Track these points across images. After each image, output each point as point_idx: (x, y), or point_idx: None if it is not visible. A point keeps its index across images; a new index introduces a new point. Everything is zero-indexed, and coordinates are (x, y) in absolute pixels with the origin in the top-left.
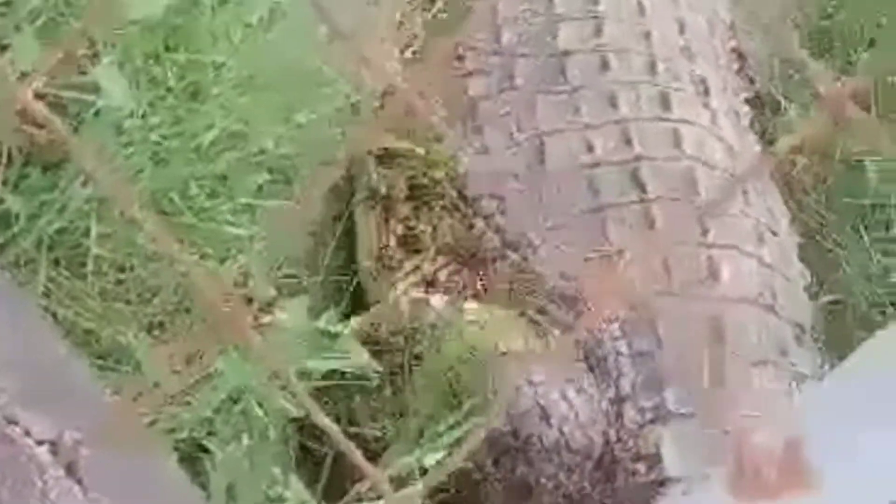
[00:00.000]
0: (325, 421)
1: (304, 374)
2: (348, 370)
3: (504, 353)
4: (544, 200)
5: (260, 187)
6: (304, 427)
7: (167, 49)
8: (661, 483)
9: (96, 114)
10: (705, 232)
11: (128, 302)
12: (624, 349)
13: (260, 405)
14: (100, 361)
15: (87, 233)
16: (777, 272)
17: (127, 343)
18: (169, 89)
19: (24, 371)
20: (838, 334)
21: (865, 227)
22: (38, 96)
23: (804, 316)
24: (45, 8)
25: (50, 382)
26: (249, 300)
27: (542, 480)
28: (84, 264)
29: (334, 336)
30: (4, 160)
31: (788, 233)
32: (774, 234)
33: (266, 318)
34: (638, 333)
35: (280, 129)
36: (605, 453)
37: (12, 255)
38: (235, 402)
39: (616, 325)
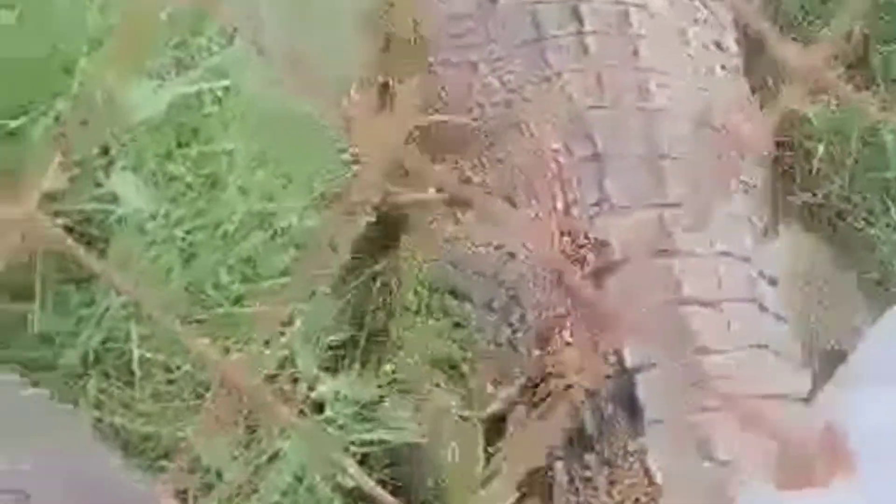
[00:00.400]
0: (373, 489)
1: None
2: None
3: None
4: (491, 35)
5: (289, 265)
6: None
7: (179, 145)
8: (609, 268)
9: (119, 221)
10: (636, 57)
11: (182, 399)
12: (564, 160)
13: (325, 480)
14: (161, 463)
15: (129, 338)
16: (715, 94)
17: (187, 439)
18: (188, 185)
19: (76, 489)
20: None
21: (892, 200)
22: (60, 214)
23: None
24: (55, 126)
25: (102, 496)
26: (295, 380)
27: (528, 313)
28: (132, 371)
29: (379, 403)
30: (40, 282)
31: (738, 64)
32: (723, 67)
33: (313, 395)
34: (576, 142)
35: (302, 200)
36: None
37: (60, 374)
38: (300, 480)
39: (557, 143)
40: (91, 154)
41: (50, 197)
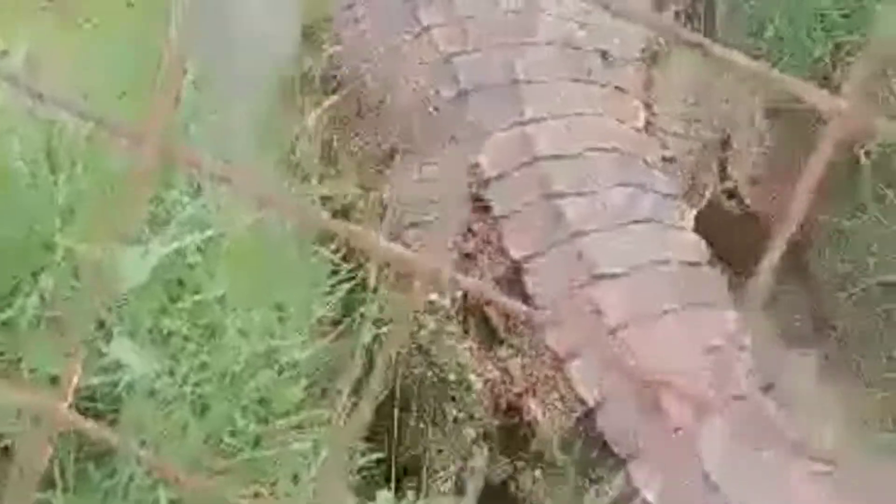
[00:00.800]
0: None
1: None
2: None
3: None
4: (373, 4)
5: (302, 397)
6: None
7: (171, 300)
8: (485, 184)
9: (128, 389)
10: (498, 3)
11: None
12: (436, 103)
13: None
14: None
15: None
16: (579, 18)
17: None
18: (186, 338)
19: None
20: None
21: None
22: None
23: (613, 43)
24: (44, 308)
25: None
26: None
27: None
28: None
29: None
30: (58, 466)
31: None
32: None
33: None
34: (444, 85)
35: (303, 329)
36: None
37: None
38: None
39: (430, 89)
40: (89, 329)
41: (53, 380)
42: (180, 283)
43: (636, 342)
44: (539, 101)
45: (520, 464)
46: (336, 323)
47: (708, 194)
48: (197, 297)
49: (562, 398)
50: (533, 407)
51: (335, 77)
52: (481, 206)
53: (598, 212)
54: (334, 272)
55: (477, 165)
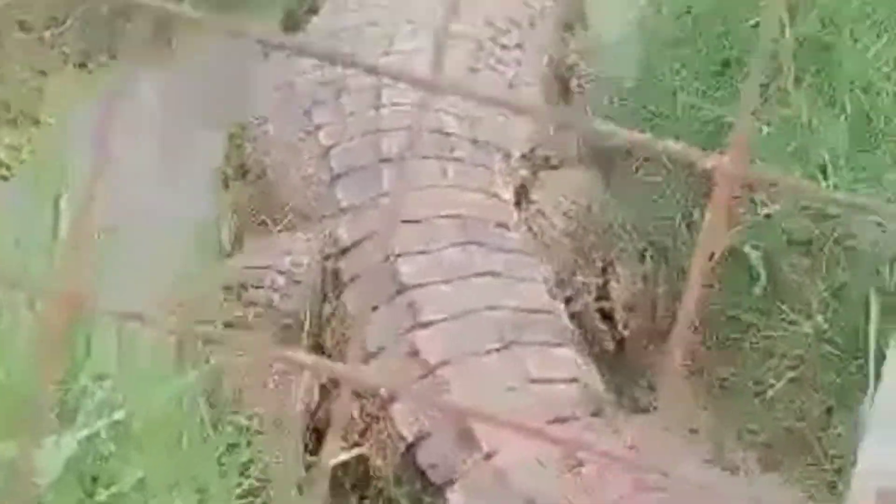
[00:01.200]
0: None
1: None
2: None
3: None
4: (284, 110)
5: None
6: None
7: (88, 495)
8: (341, 252)
9: None
10: (378, 98)
11: None
12: (315, 187)
13: None
14: None
15: None
16: (454, 111)
17: None
18: None
19: None
20: None
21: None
22: None
23: (487, 132)
24: None
25: None
26: None
27: None
28: None
29: None
30: None
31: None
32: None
33: None
34: (321, 172)
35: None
36: None
37: None
38: None
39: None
40: None
41: None
42: (94, 479)
43: (455, 379)
44: (397, 176)
45: (366, 502)
46: (258, 491)
47: (580, 306)
48: (113, 490)
49: (389, 436)
50: (370, 446)
51: (246, 174)
52: (334, 274)
53: (432, 268)
54: (250, 442)
55: (337, 238)
